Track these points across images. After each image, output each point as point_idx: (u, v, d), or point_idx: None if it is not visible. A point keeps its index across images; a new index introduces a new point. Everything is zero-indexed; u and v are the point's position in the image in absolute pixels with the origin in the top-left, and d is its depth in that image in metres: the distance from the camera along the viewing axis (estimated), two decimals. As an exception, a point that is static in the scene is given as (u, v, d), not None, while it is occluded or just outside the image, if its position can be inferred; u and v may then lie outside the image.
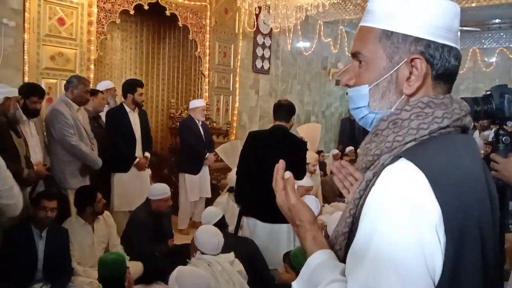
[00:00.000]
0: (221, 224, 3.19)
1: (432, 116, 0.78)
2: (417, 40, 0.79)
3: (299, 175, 3.27)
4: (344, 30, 8.44)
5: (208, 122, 5.61)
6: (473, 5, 6.68)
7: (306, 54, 8.09)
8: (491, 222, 0.76)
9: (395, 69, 0.81)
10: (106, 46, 5.95)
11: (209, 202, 4.98)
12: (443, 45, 0.79)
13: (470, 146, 0.80)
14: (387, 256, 0.66)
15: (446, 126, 0.78)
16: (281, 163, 0.95)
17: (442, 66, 0.80)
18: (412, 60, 0.79)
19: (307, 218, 0.89)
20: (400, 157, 0.73)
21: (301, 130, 6.50)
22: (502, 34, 9.26)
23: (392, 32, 0.81)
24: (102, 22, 4.88)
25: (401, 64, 0.80)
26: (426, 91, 0.81)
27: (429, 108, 0.78)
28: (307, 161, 4.74)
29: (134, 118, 4.43)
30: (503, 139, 1.45)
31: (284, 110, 3.28)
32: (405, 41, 0.80)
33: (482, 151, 6.39)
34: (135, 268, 3.36)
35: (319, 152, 6.89)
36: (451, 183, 0.70)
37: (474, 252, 0.71)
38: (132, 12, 5.20)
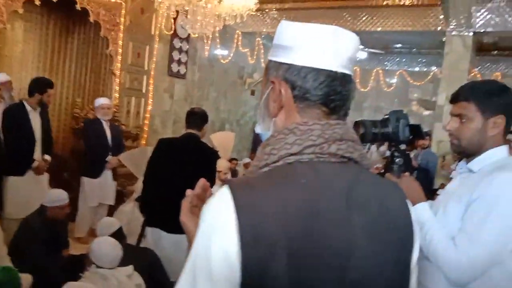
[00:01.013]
0: (118, 235, 3.01)
1: (284, 142, 0.77)
2: (280, 64, 0.83)
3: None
4: (261, 42, 8.62)
5: (116, 124, 5.35)
6: (379, 29, 7.21)
7: (224, 62, 8.11)
8: (328, 261, 0.73)
9: (265, 94, 0.85)
10: (5, 36, 5.41)
11: (113, 209, 4.73)
12: (302, 68, 0.80)
13: (329, 176, 0.76)
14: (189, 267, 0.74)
15: (297, 152, 0.76)
16: (201, 182, 0.96)
17: (301, 88, 0.81)
18: (273, 83, 0.83)
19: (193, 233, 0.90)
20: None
21: (214, 138, 6.48)
22: (402, 58, 10.14)
23: (270, 61, 0.86)
24: (1, 10, 4.44)
25: (268, 89, 0.85)
26: (291, 115, 0.82)
27: (293, 135, 0.78)
28: (219, 169, 4.71)
29: (35, 118, 4.10)
30: (397, 160, 1.55)
31: (197, 118, 3.22)
32: (273, 67, 0.84)
33: (380, 165, 6.92)
34: (24, 281, 3.06)
35: (232, 160, 6.92)
36: (259, 214, 0.70)
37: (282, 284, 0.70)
38: (37, 2, 4.79)
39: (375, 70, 10.21)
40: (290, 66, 0.81)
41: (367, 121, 1.46)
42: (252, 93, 9.32)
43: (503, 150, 1.46)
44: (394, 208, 0.82)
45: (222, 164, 4.97)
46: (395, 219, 0.81)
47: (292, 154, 0.76)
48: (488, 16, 6.23)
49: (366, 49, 8.90)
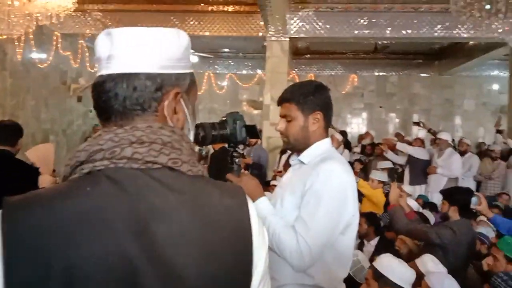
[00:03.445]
0: None
1: (76, 151, 0.71)
2: None
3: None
4: (85, 45, 8.00)
5: None
6: (206, 33, 7.41)
7: (42, 66, 7.28)
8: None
9: None
10: None
11: None
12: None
13: (123, 183, 0.68)
14: None
15: (86, 160, 0.69)
16: None
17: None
18: None
19: None
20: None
21: (31, 154, 5.71)
22: (231, 62, 10.66)
23: None
24: None
25: None
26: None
27: (87, 142, 0.73)
28: (41, 185, 4.20)
29: None
30: (237, 160, 1.58)
31: (7, 132, 2.78)
32: None
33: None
34: None
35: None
36: (33, 236, 0.62)
37: None
38: None
39: (206, 73, 10.50)
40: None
41: (206, 124, 1.45)
42: (79, 99, 8.57)
43: (326, 142, 1.63)
44: (221, 212, 0.73)
45: (45, 180, 4.42)
46: (221, 224, 0.72)
47: (83, 163, 0.70)
48: (300, 24, 6.98)
49: (196, 53, 9.06)
